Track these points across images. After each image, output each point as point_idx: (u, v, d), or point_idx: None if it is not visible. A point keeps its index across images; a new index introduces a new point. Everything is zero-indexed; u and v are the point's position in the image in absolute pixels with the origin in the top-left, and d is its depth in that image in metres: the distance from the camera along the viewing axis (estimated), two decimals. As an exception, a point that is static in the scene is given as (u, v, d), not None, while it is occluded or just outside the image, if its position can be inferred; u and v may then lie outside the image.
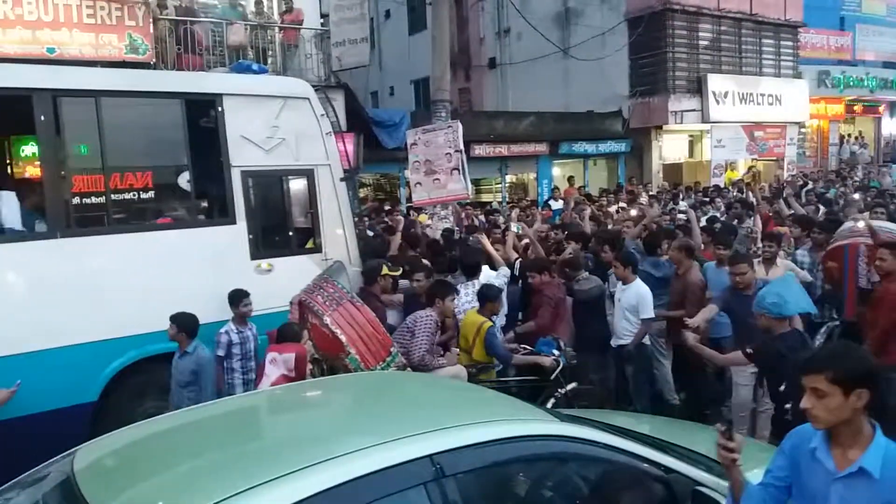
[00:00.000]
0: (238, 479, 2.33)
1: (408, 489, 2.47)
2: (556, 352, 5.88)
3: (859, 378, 2.30)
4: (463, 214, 11.25)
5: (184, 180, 6.28)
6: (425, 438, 2.61)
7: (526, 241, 8.17)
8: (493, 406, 3.36)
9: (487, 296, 5.84)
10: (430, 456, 2.52)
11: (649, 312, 6.04)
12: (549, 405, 5.44)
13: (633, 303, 6.07)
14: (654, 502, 3.04)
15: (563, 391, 5.72)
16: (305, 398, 3.75)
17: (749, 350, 4.50)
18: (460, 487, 2.53)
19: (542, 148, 18.40)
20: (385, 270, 6.38)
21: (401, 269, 6.64)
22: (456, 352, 5.77)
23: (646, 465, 3.02)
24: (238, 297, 5.78)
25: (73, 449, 2.96)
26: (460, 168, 8.89)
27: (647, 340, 6.23)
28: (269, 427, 3.41)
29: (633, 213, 9.59)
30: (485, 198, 18.23)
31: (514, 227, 8.48)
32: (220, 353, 5.70)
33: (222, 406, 3.85)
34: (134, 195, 6.01)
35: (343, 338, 4.39)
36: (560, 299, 6.54)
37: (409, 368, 4.80)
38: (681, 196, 14.31)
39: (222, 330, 5.74)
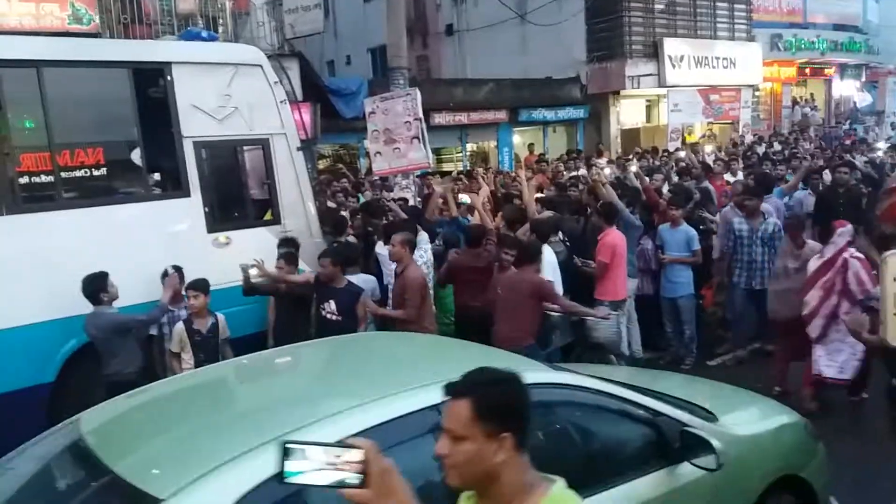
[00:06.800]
0: (257, 432, 2.48)
1: (418, 437, 2.62)
2: None
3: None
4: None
5: (134, 153, 6.10)
6: (429, 390, 2.70)
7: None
8: (486, 358, 3.44)
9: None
10: (436, 406, 2.57)
11: None
12: None
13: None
14: None
15: None
16: (311, 359, 3.90)
17: None
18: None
19: (501, 115, 18.32)
20: None
21: None
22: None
23: (636, 409, 3.20)
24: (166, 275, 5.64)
25: (75, 416, 3.02)
26: (420, 136, 8.79)
27: None
28: (276, 385, 3.54)
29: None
30: (446, 167, 18.13)
31: (463, 198, 8.37)
32: (153, 331, 5.72)
33: (227, 368, 4.01)
34: (83, 170, 5.81)
35: None
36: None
37: None
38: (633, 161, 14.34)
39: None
